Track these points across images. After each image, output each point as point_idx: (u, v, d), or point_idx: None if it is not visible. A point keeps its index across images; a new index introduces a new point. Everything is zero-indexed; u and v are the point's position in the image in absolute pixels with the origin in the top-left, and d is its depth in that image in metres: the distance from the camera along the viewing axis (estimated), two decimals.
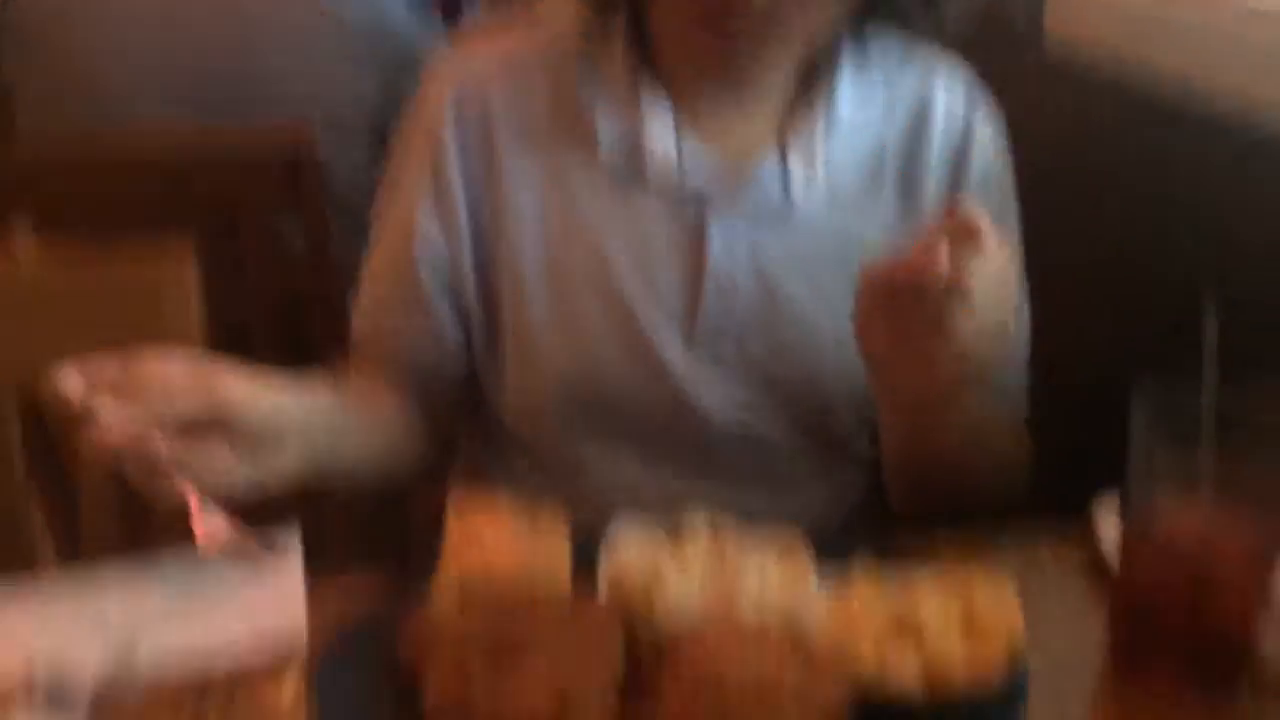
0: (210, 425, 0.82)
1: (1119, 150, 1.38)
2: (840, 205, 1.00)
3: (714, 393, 1.00)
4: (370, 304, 1.07)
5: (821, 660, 0.70)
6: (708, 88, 0.98)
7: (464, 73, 1.02)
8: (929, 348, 0.80)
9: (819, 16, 0.93)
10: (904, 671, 0.72)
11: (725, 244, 0.98)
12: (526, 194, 1.00)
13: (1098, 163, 1.41)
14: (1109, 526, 0.87)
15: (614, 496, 1.04)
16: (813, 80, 1.00)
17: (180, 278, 1.12)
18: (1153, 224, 1.33)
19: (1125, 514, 0.77)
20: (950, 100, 1.03)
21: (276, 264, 1.55)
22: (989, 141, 1.04)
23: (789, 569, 0.82)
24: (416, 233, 1.01)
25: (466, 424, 1.13)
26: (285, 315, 1.55)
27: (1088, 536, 0.90)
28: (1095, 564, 0.88)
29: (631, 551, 0.84)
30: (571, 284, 1.00)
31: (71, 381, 0.81)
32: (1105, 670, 0.78)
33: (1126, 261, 1.35)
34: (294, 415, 0.89)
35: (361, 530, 1.09)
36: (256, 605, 0.82)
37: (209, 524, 0.82)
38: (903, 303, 0.80)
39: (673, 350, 0.99)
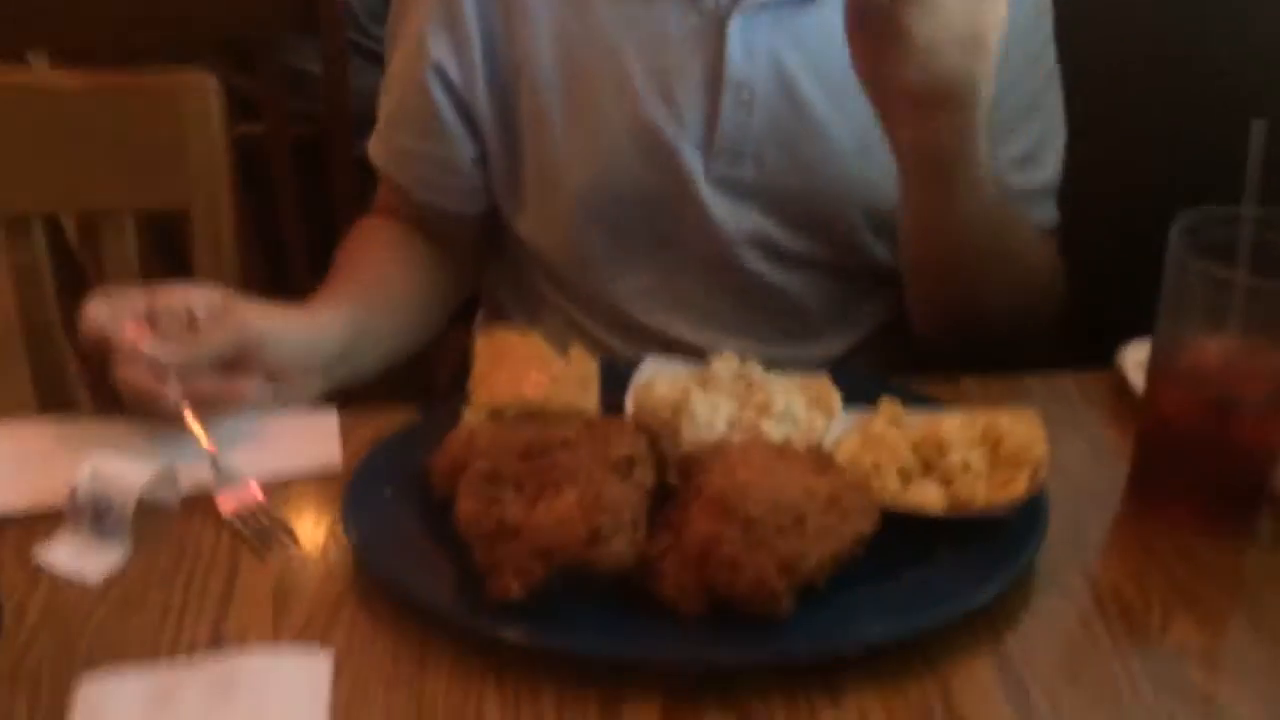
0: (237, 360, 0.82)
1: None
2: None
3: (733, 209, 0.99)
4: (385, 126, 1.05)
5: (846, 477, 0.71)
6: None
7: None
8: (893, 57, 0.79)
9: None
10: (926, 492, 0.73)
11: (745, 48, 0.95)
12: (540, 2, 0.97)
13: None
14: (1137, 367, 0.86)
15: (637, 333, 1.04)
16: None
17: (202, 103, 1.10)
18: (1199, 49, 1.29)
19: (1155, 343, 0.76)
20: None
21: (295, 92, 1.53)
22: None
23: (816, 398, 0.83)
24: (426, 50, 0.99)
25: (491, 268, 1.13)
26: (305, 146, 1.53)
27: (1116, 375, 0.90)
28: (1122, 398, 0.89)
29: (661, 377, 0.85)
30: (589, 92, 0.97)
31: (101, 312, 0.80)
32: (1126, 498, 0.79)
33: (1170, 90, 1.31)
34: (320, 343, 0.89)
35: (390, 376, 1.10)
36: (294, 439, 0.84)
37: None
38: (868, 17, 0.79)
39: (692, 162, 0.98)
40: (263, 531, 0.75)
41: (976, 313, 0.98)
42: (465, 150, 1.03)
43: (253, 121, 1.52)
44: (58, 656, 0.65)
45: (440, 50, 0.99)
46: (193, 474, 0.78)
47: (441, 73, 0.99)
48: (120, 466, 0.74)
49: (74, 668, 0.64)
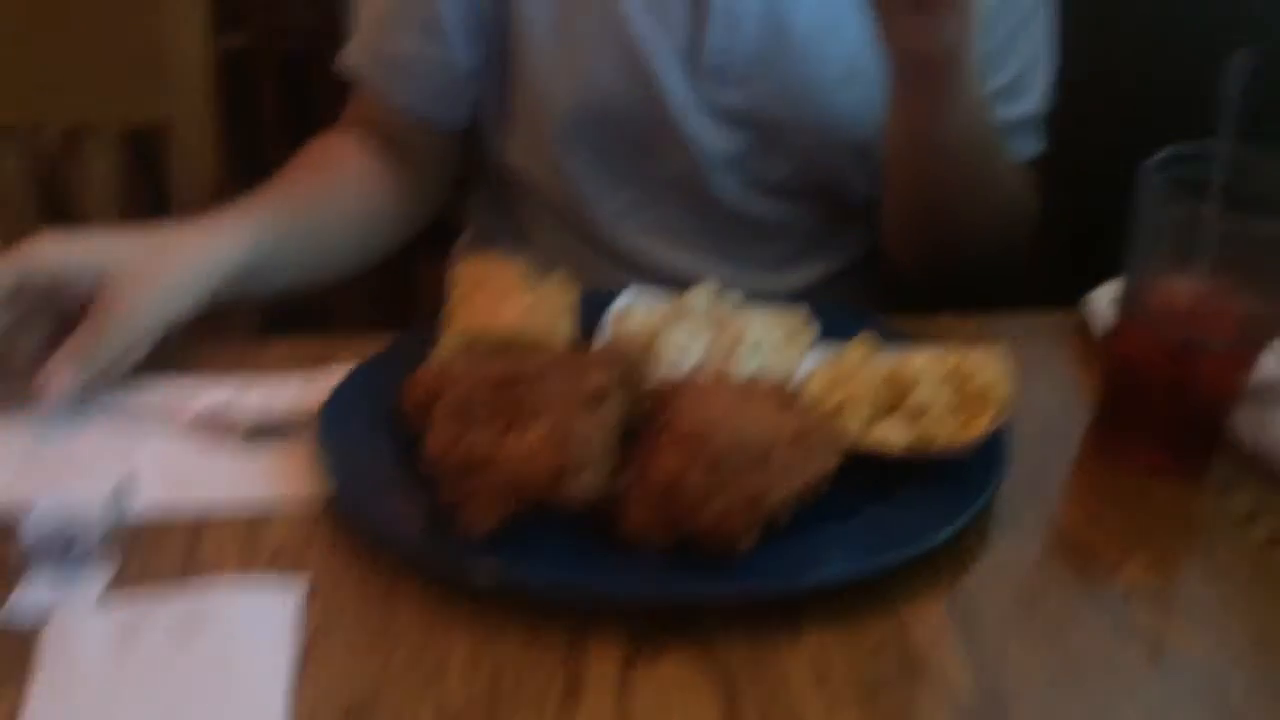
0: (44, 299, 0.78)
1: None
2: None
3: (716, 132, 0.99)
4: (374, 30, 1.01)
5: (811, 414, 0.72)
6: None
7: None
8: None
9: None
10: (891, 430, 0.74)
11: None
12: None
13: None
14: (1108, 306, 0.87)
15: (621, 258, 1.04)
16: None
17: (184, 9, 1.07)
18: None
19: (1123, 282, 0.77)
20: None
21: (284, 3, 1.51)
22: None
23: (789, 333, 0.83)
24: None
25: (476, 193, 1.12)
26: (293, 61, 1.51)
27: (1086, 317, 0.91)
28: (1094, 338, 0.89)
29: (636, 308, 0.85)
30: (578, 7, 0.97)
31: None
32: (1087, 438, 0.80)
33: (1148, 37, 1.29)
34: (198, 263, 0.83)
35: (369, 302, 1.09)
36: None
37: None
38: None
39: (676, 84, 0.97)
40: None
41: (954, 236, 0.98)
42: (465, 56, 1.00)
43: (240, 33, 1.50)
44: None
45: None
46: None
47: None
48: (63, 500, 0.69)
49: None
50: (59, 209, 1.27)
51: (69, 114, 1.11)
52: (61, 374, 0.76)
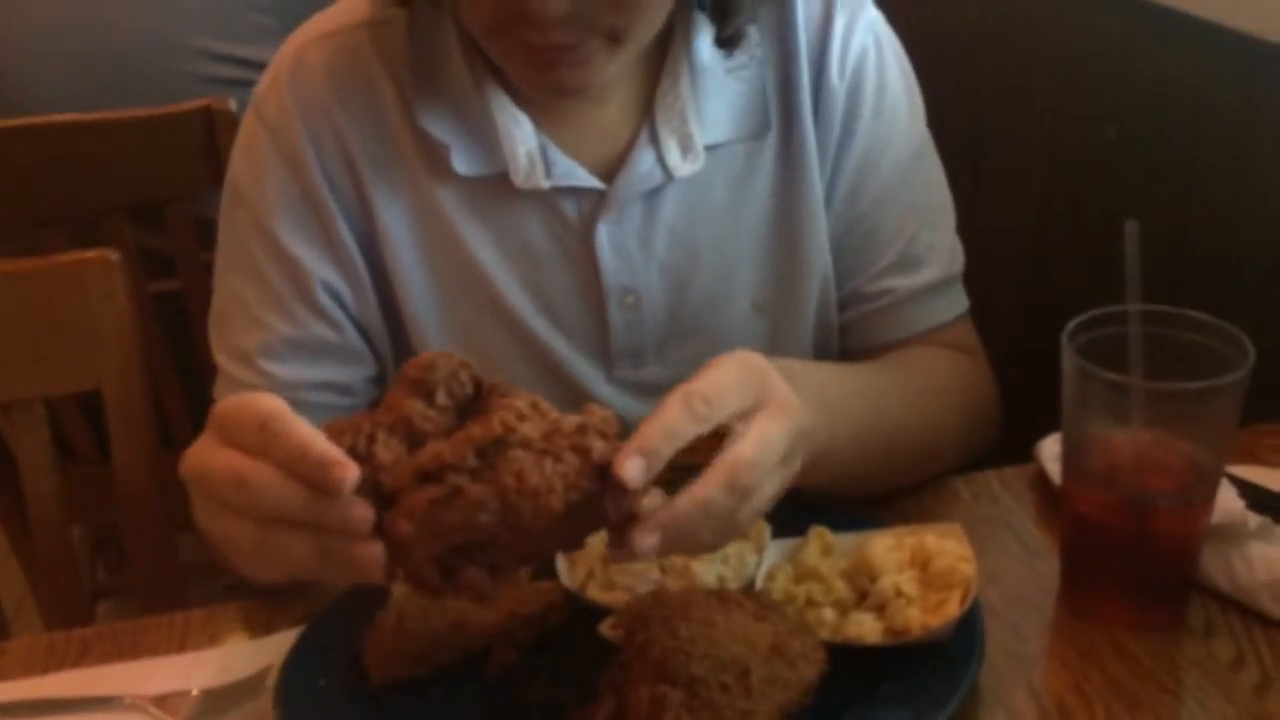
0: None
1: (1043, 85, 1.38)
2: (727, 160, 0.92)
3: (638, 404, 0.94)
4: (264, 354, 0.91)
5: (788, 621, 0.71)
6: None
7: (306, 82, 0.90)
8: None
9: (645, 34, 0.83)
10: (863, 623, 0.73)
11: (616, 251, 0.91)
12: (397, 222, 0.91)
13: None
14: (1054, 460, 0.87)
15: None
16: (666, 47, 0.91)
17: (107, 281, 1.08)
18: (1076, 158, 1.35)
19: (1064, 445, 0.78)
20: (808, 11, 0.93)
21: (209, 243, 1.52)
22: (863, 47, 0.94)
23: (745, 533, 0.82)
24: (311, 275, 0.90)
25: None
26: None
27: (1037, 468, 0.91)
28: (1046, 491, 0.90)
29: None
30: (467, 312, 0.93)
31: None
32: (1058, 599, 0.80)
33: (1053, 201, 1.36)
34: None
35: None
36: None
37: None
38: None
39: (590, 372, 0.94)
40: None
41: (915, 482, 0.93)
42: (365, 370, 0.94)
43: (169, 278, 1.51)
44: None
45: (328, 274, 0.91)
46: None
47: (332, 291, 0.91)
48: None
49: None
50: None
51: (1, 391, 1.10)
52: None
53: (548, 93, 0.86)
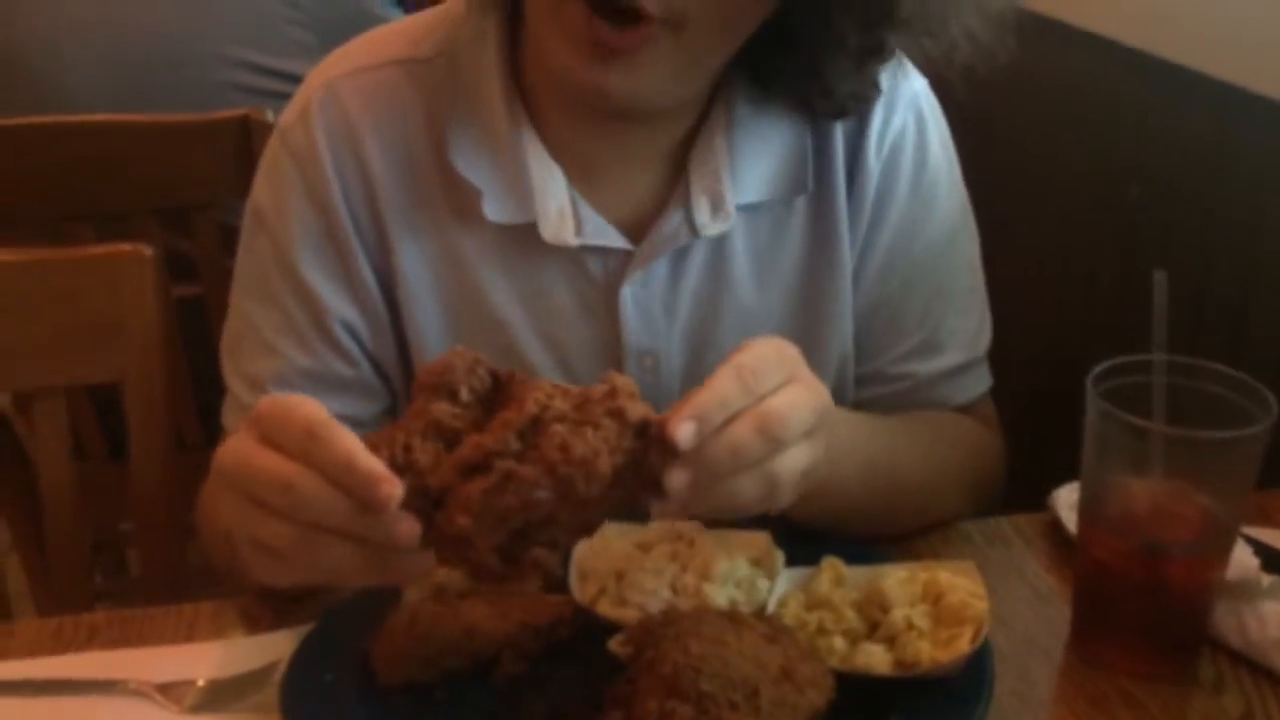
0: None
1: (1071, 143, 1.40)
2: (755, 226, 0.92)
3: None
4: (277, 386, 0.90)
5: (799, 646, 0.71)
6: (592, 142, 0.89)
7: (336, 116, 0.89)
8: None
9: (699, 83, 0.86)
10: (872, 654, 0.73)
11: (640, 313, 0.90)
12: (416, 263, 0.90)
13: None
14: (1070, 509, 0.88)
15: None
16: (706, 105, 0.90)
17: (138, 276, 1.09)
18: (1098, 213, 1.37)
19: (1082, 492, 0.78)
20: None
21: (233, 251, 1.53)
22: (903, 123, 0.94)
23: (758, 559, 0.82)
24: (328, 309, 0.90)
25: None
26: None
27: (1051, 516, 0.91)
28: (1059, 540, 0.90)
29: (601, 542, 0.84)
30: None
31: None
32: (1068, 645, 0.80)
33: (1073, 253, 1.37)
34: None
35: None
36: None
37: None
38: None
39: None
40: None
41: (917, 529, 0.93)
42: (379, 404, 0.94)
43: (192, 283, 1.52)
44: None
45: (345, 310, 0.90)
46: None
47: (349, 327, 0.91)
48: None
49: None
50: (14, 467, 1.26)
51: (25, 379, 1.11)
52: None
53: (594, 98, 0.81)
